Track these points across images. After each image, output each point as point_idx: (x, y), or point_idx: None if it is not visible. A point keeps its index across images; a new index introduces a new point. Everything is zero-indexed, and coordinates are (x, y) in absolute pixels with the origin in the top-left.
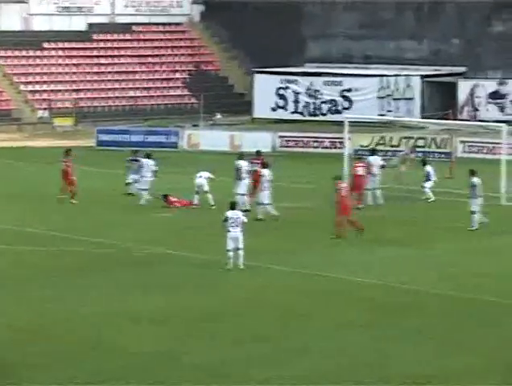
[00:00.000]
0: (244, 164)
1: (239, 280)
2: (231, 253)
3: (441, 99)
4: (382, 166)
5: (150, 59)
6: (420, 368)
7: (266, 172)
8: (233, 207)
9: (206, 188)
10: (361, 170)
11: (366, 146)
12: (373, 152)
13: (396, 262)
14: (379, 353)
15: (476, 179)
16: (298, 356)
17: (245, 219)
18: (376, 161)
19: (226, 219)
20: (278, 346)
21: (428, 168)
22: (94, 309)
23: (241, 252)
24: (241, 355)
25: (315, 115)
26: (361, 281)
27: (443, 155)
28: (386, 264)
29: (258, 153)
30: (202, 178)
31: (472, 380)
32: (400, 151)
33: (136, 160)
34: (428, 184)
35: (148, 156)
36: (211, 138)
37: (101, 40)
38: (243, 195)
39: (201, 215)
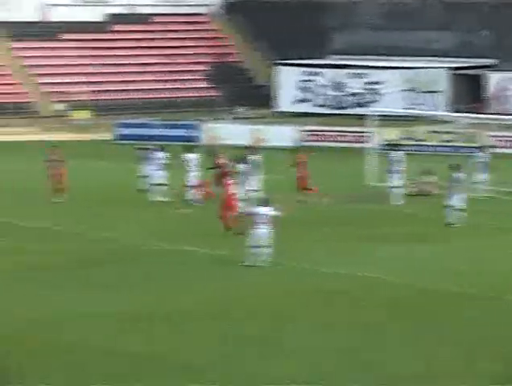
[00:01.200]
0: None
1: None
2: (253, 250)
3: (469, 92)
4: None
5: (170, 51)
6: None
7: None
8: (264, 203)
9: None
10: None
11: (391, 141)
12: (397, 147)
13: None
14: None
15: (460, 174)
16: (287, 356)
17: (278, 214)
18: (400, 156)
19: (254, 215)
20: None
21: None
22: (81, 309)
23: (266, 250)
24: (226, 355)
25: (339, 108)
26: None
27: (471, 150)
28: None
29: None
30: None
31: None
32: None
33: (146, 148)
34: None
35: (161, 149)
36: (232, 132)
37: (120, 31)
38: None
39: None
